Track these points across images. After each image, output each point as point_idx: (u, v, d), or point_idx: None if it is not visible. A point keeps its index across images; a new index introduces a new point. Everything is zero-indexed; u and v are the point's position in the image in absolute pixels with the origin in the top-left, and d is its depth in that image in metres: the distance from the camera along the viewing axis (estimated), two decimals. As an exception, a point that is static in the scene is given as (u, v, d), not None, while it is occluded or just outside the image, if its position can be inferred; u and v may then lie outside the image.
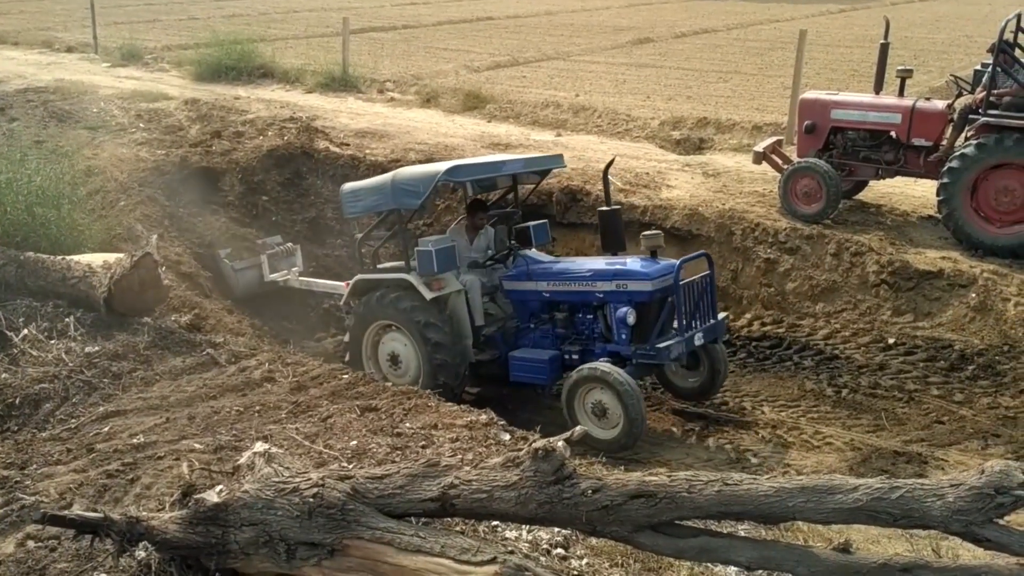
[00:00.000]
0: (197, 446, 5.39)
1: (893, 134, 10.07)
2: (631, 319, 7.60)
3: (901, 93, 10.43)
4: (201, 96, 15.69)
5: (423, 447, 5.44)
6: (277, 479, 4.05)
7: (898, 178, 10.54)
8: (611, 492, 3.84)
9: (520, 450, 4.04)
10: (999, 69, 9.15)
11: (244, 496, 3.91)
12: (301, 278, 10.36)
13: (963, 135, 9.47)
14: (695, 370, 8.30)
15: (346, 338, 8.74)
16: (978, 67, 10.13)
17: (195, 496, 3.97)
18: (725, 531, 4.36)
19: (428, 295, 7.99)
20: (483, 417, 5.95)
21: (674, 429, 8.04)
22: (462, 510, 3.93)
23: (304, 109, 15.16)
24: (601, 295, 7.89)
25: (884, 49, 10.47)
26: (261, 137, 12.62)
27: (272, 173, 11.72)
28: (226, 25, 24.04)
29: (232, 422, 5.82)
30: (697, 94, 17.07)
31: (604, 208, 8.28)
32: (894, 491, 3.61)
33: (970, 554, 4.38)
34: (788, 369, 8.86)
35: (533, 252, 8.81)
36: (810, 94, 10.90)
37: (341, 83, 17.71)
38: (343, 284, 9.32)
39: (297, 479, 4.04)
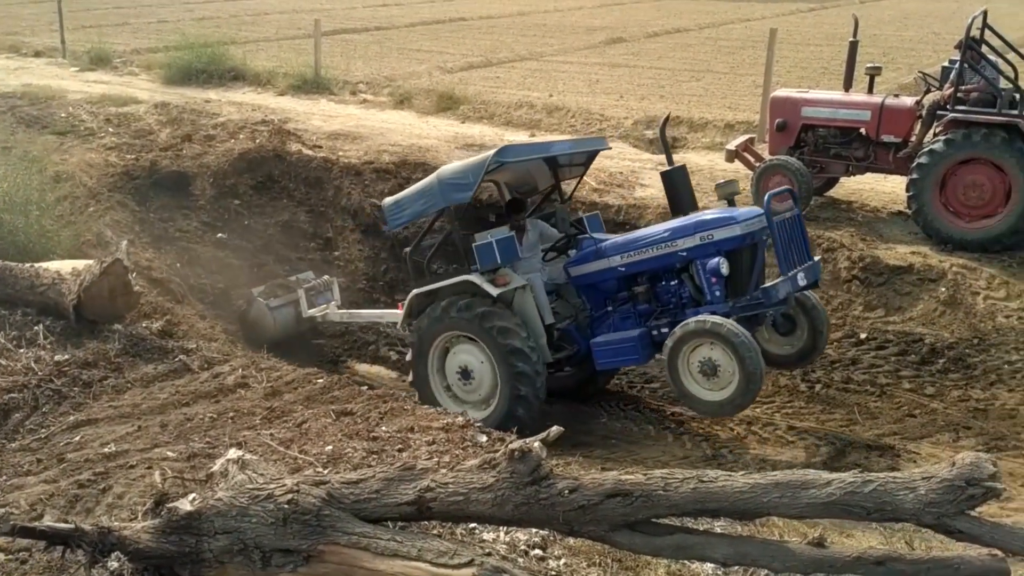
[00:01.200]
0: (170, 454, 5.33)
1: (863, 131, 10.17)
2: (724, 268, 7.02)
3: (870, 90, 10.55)
4: (171, 100, 15.53)
5: (399, 451, 5.42)
6: (251, 486, 4.01)
7: (868, 174, 10.66)
8: (588, 492, 3.84)
9: (497, 452, 4.03)
10: (966, 65, 9.28)
11: (218, 504, 3.87)
12: (341, 310, 9.75)
13: (932, 131, 9.59)
14: (791, 335, 7.65)
15: (409, 377, 8.05)
16: (946, 64, 10.27)
17: (168, 505, 3.92)
18: (701, 528, 4.39)
19: (493, 291, 7.32)
20: (460, 419, 5.94)
21: (651, 427, 8.06)
22: (439, 513, 3.92)
23: (276, 112, 15.05)
24: (685, 253, 7.27)
25: (853, 47, 10.58)
26: (232, 140, 12.51)
27: (244, 176, 11.61)
28: (196, 28, 23.77)
29: (205, 429, 5.76)
30: (670, 93, 17.15)
31: (667, 169, 7.89)
32: (867, 485, 3.64)
33: (943, 546, 4.42)
34: (763, 365, 8.92)
35: (596, 234, 8.17)
36: (781, 92, 10.99)
37: (313, 85, 17.59)
38: (393, 309, 8.87)
39: (271, 486, 4.00)
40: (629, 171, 12.22)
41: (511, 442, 4.00)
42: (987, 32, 9.63)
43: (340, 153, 12.56)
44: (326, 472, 4.84)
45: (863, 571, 3.83)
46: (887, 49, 20.36)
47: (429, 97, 16.54)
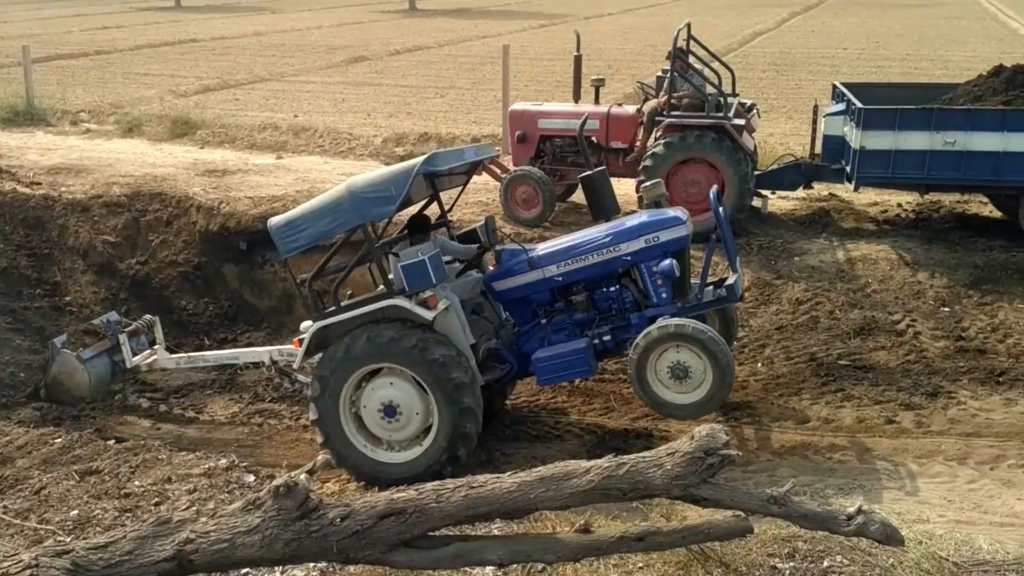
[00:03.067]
0: None
1: (594, 139, 10.88)
2: (677, 271, 6.89)
3: (596, 101, 11.31)
4: None
5: (157, 505, 5.06)
6: (-23, 570, 3.56)
7: (604, 179, 11.40)
8: (360, 516, 3.80)
9: (262, 491, 3.87)
10: (676, 74, 10.22)
11: (-65, 597, 3.39)
12: (176, 355, 8.53)
13: (653, 136, 10.45)
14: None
15: (312, 415, 6.88)
16: (659, 73, 11.23)
17: None
18: (479, 533, 4.47)
19: (428, 315, 6.58)
20: (223, 462, 5.65)
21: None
22: (203, 565, 3.69)
23: (-18, 148, 13.49)
24: (629, 257, 7.08)
25: (577, 61, 11.31)
26: (-71, 183, 11.04)
27: (-53, 223, 10.29)
28: None
29: (-82, 513, 5.03)
30: (416, 110, 17.40)
31: (587, 173, 7.62)
32: (621, 467, 3.90)
33: (696, 515, 4.80)
34: (527, 367, 9.24)
35: (510, 244, 7.68)
36: (518, 106, 11.50)
37: (26, 117, 16.06)
38: (251, 348, 7.80)
39: (5, 563, 3.58)
40: (382, 189, 12.22)
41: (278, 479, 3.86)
42: (692, 43, 10.67)
43: (63, 188, 11.48)
44: (69, 540, 4.39)
45: (627, 548, 4.10)
46: (611, 61, 21.98)
47: (162, 123, 15.61)
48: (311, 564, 4.38)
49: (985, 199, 10.91)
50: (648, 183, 7.51)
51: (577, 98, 11.37)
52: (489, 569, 4.61)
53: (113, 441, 6.30)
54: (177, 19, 36.94)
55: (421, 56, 25.77)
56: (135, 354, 8.41)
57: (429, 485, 3.98)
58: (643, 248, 7.05)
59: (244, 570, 4.28)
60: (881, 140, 9.52)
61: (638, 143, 10.67)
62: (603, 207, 7.60)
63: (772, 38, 28.38)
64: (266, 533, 3.65)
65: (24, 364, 8.99)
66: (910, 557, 4.55)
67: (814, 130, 11.08)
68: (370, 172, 7.09)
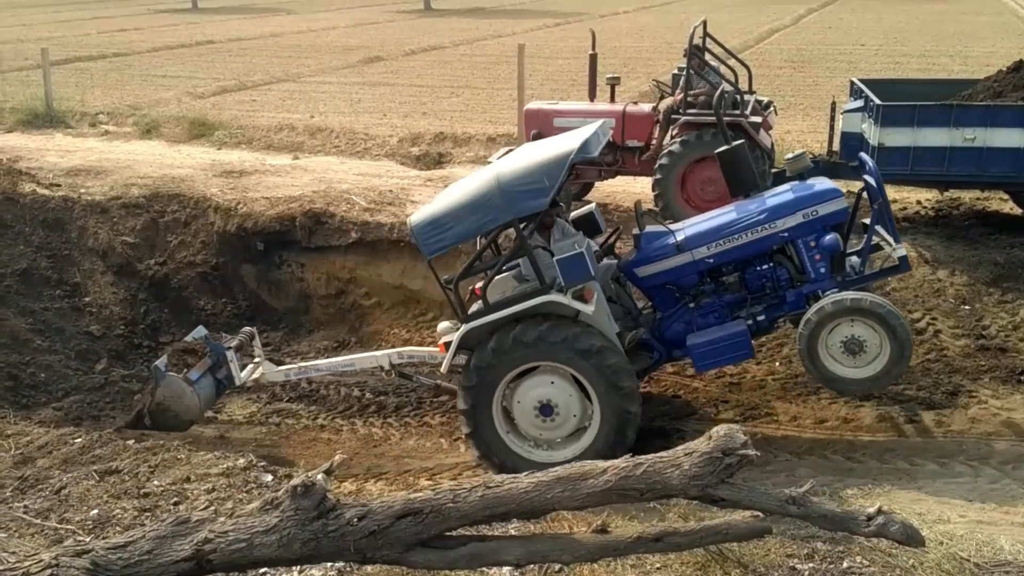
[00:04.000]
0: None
1: (610, 137, 10.85)
2: (841, 245, 6.77)
3: (612, 99, 11.28)
4: None
5: (176, 504, 5.08)
6: (1, 568, 3.59)
7: (619, 178, 11.37)
8: (377, 516, 3.80)
9: (279, 490, 3.88)
10: (692, 72, 10.17)
11: (-42, 596, 3.43)
12: (284, 367, 8.17)
13: (669, 134, 10.41)
14: None
15: (465, 428, 6.78)
16: (675, 71, 11.19)
17: None
18: (496, 533, 4.47)
19: (588, 309, 6.35)
20: (241, 461, 5.67)
21: (443, 440, 8.09)
22: (221, 564, 3.71)
23: (4, 150, 13.61)
24: (786, 233, 6.87)
25: (593, 59, 11.27)
26: (-49, 186, 11.16)
27: (-32, 226, 10.40)
28: None
29: (-58, 512, 5.08)
30: (432, 110, 17.41)
31: (724, 148, 7.45)
32: (638, 468, 3.89)
33: (713, 515, 4.77)
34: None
35: (650, 227, 7.44)
36: (533, 105, 11.49)
37: (46, 119, 16.18)
38: (368, 352, 7.74)
39: (26, 563, 3.62)
40: (399, 188, 12.23)
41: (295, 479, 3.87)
42: (709, 40, 10.62)
43: (82, 190, 11.57)
44: (89, 540, 4.43)
45: (644, 549, 4.08)
46: (626, 60, 21.90)
47: (180, 124, 15.70)
48: (328, 564, 4.40)
49: (1005, 196, 10.79)
50: (792, 156, 7.29)
51: (593, 96, 11.34)
52: (506, 569, 4.60)
53: (132, 441, 6.33)
54: (194, 21, 37.16)
55: (436, 56, 25.79)
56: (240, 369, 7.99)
57: (446, 485, 3.98)
58: (801, 223, 6.85)
59: (262, 570, 4.29)
60: (900, 137, 9.43)
61: (654, 141, 10.62)
62: (742, 182, 7.38)
63: (789, 35, 28.20)
64: (284, 533, 3.66)
65: (45, 365, 9.10)
66: (931, 558, 4.51)
67: (832, 127, 10.99)
68: (513, 161, 6.70)
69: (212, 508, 4.85)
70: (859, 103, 10.51)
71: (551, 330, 6.38)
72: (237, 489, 5.24)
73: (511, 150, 11.81)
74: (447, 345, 6.72)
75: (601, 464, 3.98)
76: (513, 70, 15.67)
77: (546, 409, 6.58)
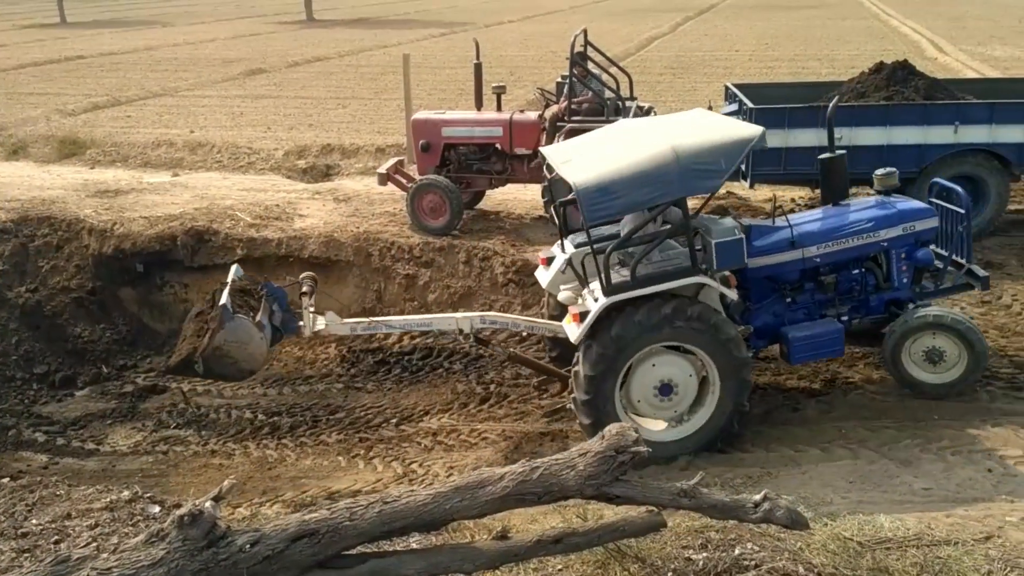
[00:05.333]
0: None
1: (498, 146, 10.94)
2: (934, 261, 7.37)
3: (499, 108, 11.37)
4: None
5: (56, 543, 4.80)
6: None
7: (509, 185, 11.48)
8: (271, 541, 3.70)
9: (166, 522, 3.73)
10: (575, 79, 10.36)
11: None
12: (350, 320, 7.61)
13: (555, 141, 10.56)
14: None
15: (581, 394, 6.63)
16: (559, 79, 11.37)
17: None
18: (397, 548, 4.42)
19: (733, 295, 6.64)
20: (125, 494, 5.41)
21: (340, 458, 7.95)
22: (105, 603, 3.53)
23: None
24: (886, 243, 7.35)
25: (478, 68, 11.34)
26: None
27: None
28: None
29: None
30: (318, 121, 17.14)
31: (826, 156, 7.71)
32: (534, 471, 3.92)
33: (612, 513, 4.85)
34: (441, 376, 9.21)
35: (746, 220, 7.52)
36: (421, 115, 11.46)
37: (-102, 141, 15.10)
38: (447, 314, 7.53)
39: None
40: (286, 202, 11.99)
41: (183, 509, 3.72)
42: (591, 48, 10.84)
43: (-58, 216, 10.86)
44: (-42, 590, 4.15)
45: (545, 551, 4.12)
46: (512, 68, 22.13)
47: (49, 144, 14.98)
48: (223, 594, 4.24)
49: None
50: (882, 172, 7.69)
51: (479, 105, 11.41)
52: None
53: (8, 479, 5.95)
54: (62, 36, 35.47)
55: (320, 67, 25.40)
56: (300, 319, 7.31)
57: (342, 504, 3.90)
58: (899, 236, 7.36)
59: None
60: (772, 138, 9.80)
61: (541, 148, 10.74)
62: (835, 190, 7.77)
63: (668, 42, 29.11)
64: (171, 565, 3.52)
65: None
66: (816, 539, 4.71)
67: (710, 131, 11.36)
68: (692, 138, 6.45)
69: (95, 545, 4.61)
70: (734, 107, 10.94)
71: (702, 314, 6.49)
72: (122, 523, 5.00)
73: (401, 160, 11.74)
74: (581, 316, 6.63)
75: (499, 471, 3.99)
76: (399, 80, 15.60)
77: (666, 389, 6.72)
